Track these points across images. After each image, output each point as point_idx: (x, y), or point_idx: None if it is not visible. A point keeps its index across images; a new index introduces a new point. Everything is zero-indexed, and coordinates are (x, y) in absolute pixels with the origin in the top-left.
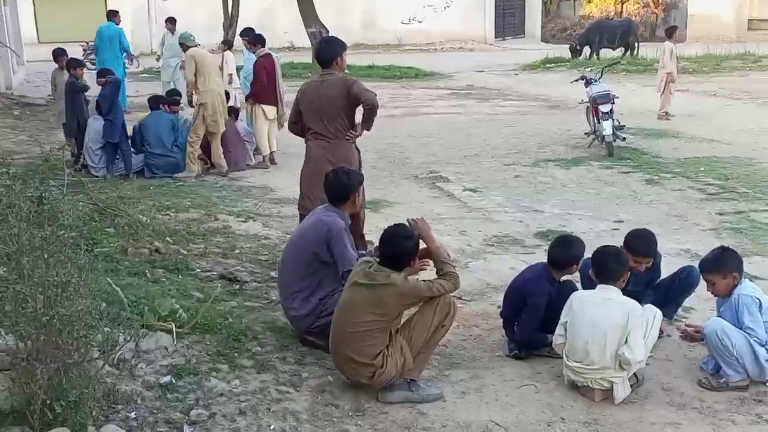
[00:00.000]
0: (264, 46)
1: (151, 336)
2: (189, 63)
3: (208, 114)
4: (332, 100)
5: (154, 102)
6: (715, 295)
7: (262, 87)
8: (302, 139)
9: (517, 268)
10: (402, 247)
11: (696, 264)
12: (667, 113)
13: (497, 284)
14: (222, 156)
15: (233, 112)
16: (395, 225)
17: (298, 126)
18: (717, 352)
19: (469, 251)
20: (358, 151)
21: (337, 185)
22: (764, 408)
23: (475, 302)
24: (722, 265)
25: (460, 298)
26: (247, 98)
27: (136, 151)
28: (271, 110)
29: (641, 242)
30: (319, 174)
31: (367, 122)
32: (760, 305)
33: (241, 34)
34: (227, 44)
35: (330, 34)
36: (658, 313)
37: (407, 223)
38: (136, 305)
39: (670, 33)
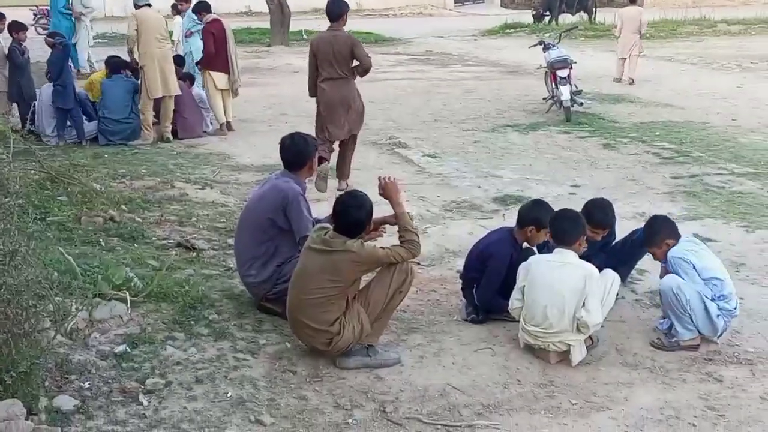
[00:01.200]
0: (209, 12)
1: (104, 305)
2: (131, 23)
3: (147, 78)
4: (341, 53)
5: (115, 66)
6: (658, 260)
7: (210, 54)
8: (259, 108)
9: (476, 233)
10: (353, 216)
11: None
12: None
13: (455, 249)
14: (167, 122)
15: (188, 78)
16: (347, 194)
17: (314, 76)
18: (671, 309)
19: (428, 217)
20: (359, 93)
21: (293, 151)
22: (714, 367)
23: (433, 267)
24: (654, 237)
25: (418, 264)
26: (197, 64)
27: (87, 118)
28: (221, 78)
29: (599, 212)
30: (335, 106)
31: (360, 75)
32: (694, 266)
33: (194, 8)
34: (175, 9)
35: None
36: (617, 277)
37: (379, 181)
38: (89, 274)
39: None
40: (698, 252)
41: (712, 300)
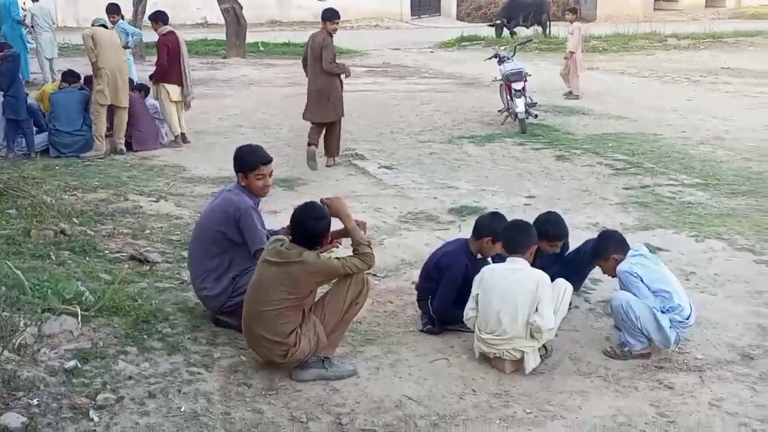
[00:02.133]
0: (166, 23)
1: (54, 320)
2: (86, 41)
3: (104, 86)
4: (316, 51)
5: (66, 78)
6: (609, 275)
7: (164, 66)
8: (214, 119)
9: (432, 244)
10: (313, 227)
11: None
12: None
13: (412, 260)
14: (121, 134)
15: (142, 89)
16: (306, 204)
17: (305, 66)
18: (622, 325)
19: (385, 228)
20: (341, 83)
21: (243, 161)
22: (665, 374)
23: (389, 278)
24: (602, 253)
25: (374, 275)
26: (150, 78)
27: (38, 129)
28: (174, 90)
29: (552, 226)
30: (312, 94)
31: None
32: (641, 279)
33: (150, 17)
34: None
35: (243, 10)
36: (569, 287)
37: (321, 203)
38: (38, 288)
39: (576, 12)
40: (646, 265)
41: (663, 312)
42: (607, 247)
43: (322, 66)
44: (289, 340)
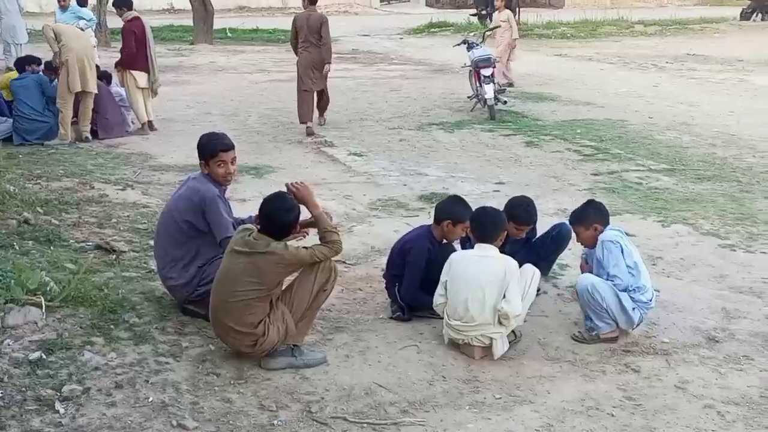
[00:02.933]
0: (131, 9)
1: (18, 311)
2: (47, 32)
3: (70, 72)
4: (314, 27)
5: (20, 64)
6: (584, 246)
7: (131, 53)
8: (182, 107)
9: (401, 231)
10: (282, 218)
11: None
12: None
13: (381, 248)
14: (86, 122)
15: (105, 76)
16: (275, 195)
17: (294, 43)
18: (588, 307)
19: (354, 215)
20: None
21: (204, 148)
22: (632, 358)
23: (359, 266)
24: (584, 217)
25: (344, 263)
26: (116, 65)
27: (2, 117)
28: (141, 77)
29: (522, 210)
30: (306, 66)
31: (327, 56)
32: (622, 250)
33: (114, 4)
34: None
35: None
36: (537, 272)
37: (286, 188)
38: (1, 279)
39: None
40: (624, 239)
41: (626, 291)
42: (592, 214)
43: (320, 40)
44: (257, 331)
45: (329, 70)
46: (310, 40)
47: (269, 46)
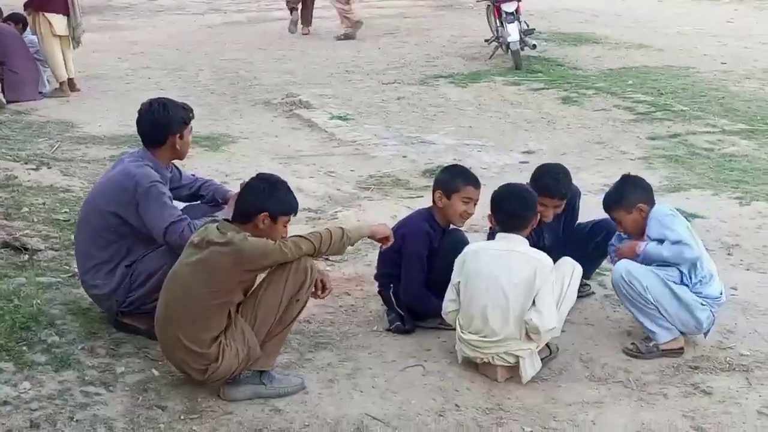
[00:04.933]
0: None
1: None
2: None
3: None
4: None
5: None
6: (629, 236)
7: None
8: (112, 59)
9: (400, 216)
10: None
11: None
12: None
13: None
14: None
15: (20, 20)
16: (258, 177)
17: None
18: (630, 302)
19: (339, 197)
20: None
21: (148, 121)
22: (701, 376)
23: (346, 263)
24: (622, 198)
25: (326, 259)
26: (25, 6)
27: None
28: (59, 21)
29: (549, 178)
30: None
31: None
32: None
33: None
34: None
35: None
36: (577, 267)
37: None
38: None
39: None
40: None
41: (682, 283)
42: (633, 192)
43: None
44: (209, 352)
45: None
46: None
47: None
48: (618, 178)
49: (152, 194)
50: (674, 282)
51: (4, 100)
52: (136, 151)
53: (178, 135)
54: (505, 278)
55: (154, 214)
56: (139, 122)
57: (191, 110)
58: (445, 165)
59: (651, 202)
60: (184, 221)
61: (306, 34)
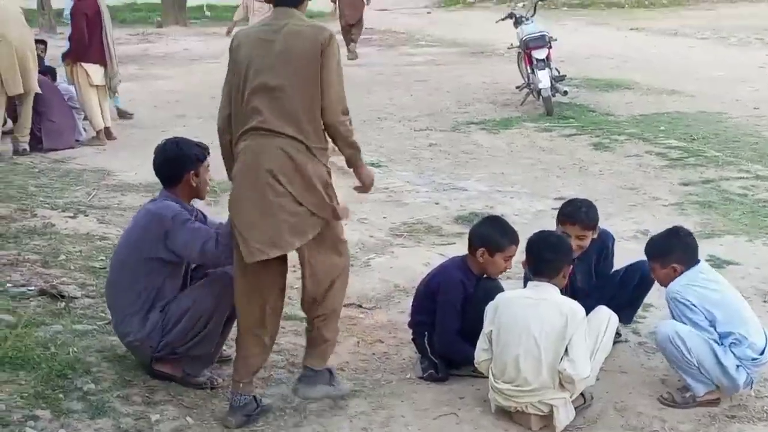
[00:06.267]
0: None
1: None
2: None
3: (4, 69)
4: None
5: None
6: (660, 284)
7: (82, 41)
8: (148, 108)
9: (433, 263)
10: None
11: None
12: None
13: (407, 286)
14: (26, 129)
15: (48, 71)
16: None
17: None
18: (674, 361)
19: (371, 244)
20: None
21: (162, 160)
22: (738, 426)
23: (379, 311)
24: (661, 253)
25: (359, 306)
26: (63, 57)
27: None
28: (96, 71)
29: (571, 205)
30: (344, 3)
31: None
32: (693, 305)
33: None
34: None
35: None
36: (613, 317)
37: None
38: None
39: None
40: (704, 285)
41: (721, 345)
42: (674, 249)
43: None
44: None
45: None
46: None
47: None
48: (650, 225)
49: (178, 222)
50: (716, 342)
51: (27, 148)
52: (156, 195)
53: (193, 172)
54: (536, 327)
55: (186, 239)
56: (154, 163)
57: (206, 147)
58: (484, 216)
59: (688, 263)
60: (215, 236)
61: (351, 51)
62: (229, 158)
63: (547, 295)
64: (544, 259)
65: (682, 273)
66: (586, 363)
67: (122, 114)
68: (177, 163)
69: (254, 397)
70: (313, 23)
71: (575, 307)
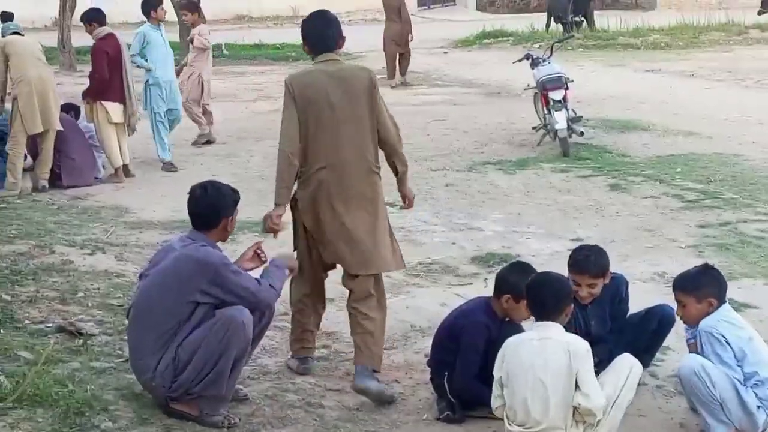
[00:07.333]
0: (103, 24)
1: None
2: None
3: (23, 108)
4: (392, 5)
5: None
6: (684, 321)
7: (103, 79)
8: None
9: (450, 304)
10: None
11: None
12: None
13: (424, 326)
14: (47, 167)
15: (72, 108)
16: None
17: None
18: (696, 397)
19: (388, 284)
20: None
21: (204, 205)
22: None
23: (395, 351)
24: (700, 287)
25: None
26: (83, 96)
27: None
28: (115, 109)
29: (580, 254)
30: (394, 38)
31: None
32: (727, 341)
33: (83, 18)
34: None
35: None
36: (636, 365)
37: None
38: None
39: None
40: (732, 323)
41: (744, 384)
42: (708, 285)
43: (399, 16)
44: None
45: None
46: (390, 15)
47: (276, 65)
48: (667, 267)
49: (230, 270)
50: (740, 381)
51: (46, 185)
52: (185, 235)
53: (230, 218)
54: (540, 367)
55: (241, 286)
56: (195, 205)
57: (238, 192)
58: (513, 261)
59: (721, 300)
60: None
61: (402, 81)
62: (289, 184)
63: (550, 334)
64: (546, 303)
65: (716, 309)
66: (597, 392)
67: (167, 167)
68: (217, 208)
69: None
70: (355, 63)
71: (576, 341)
